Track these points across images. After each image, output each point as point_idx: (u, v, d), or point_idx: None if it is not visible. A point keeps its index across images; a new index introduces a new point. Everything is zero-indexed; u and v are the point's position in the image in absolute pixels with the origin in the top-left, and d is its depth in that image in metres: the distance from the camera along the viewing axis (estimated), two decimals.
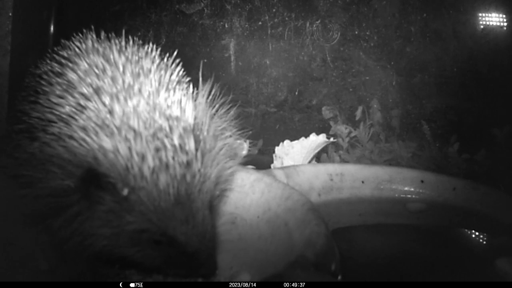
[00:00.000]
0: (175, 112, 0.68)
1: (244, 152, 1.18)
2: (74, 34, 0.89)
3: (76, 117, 0.67)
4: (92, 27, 0.89)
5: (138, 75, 0.75)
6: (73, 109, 0.68)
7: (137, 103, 0.68)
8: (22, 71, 0.91)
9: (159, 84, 0.75)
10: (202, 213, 0.66)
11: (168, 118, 0.67)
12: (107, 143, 0.62)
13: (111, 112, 0.66)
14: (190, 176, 0.64)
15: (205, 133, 0.71)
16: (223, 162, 0.76)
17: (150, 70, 0.78)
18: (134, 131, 0.63)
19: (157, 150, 0.63)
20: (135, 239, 0.66)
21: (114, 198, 0.63)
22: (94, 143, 0.62)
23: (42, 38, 1.37)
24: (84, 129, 0.64)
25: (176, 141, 0.64)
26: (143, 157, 0.62)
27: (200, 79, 0.76)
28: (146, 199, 0.62)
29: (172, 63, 0.85)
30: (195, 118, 0.70)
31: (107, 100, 0.68)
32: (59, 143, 0.65)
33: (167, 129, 0.65)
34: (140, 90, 0.71)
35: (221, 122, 0.82)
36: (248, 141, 1.22)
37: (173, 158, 0.63)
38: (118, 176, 0.61)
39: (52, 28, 1.40)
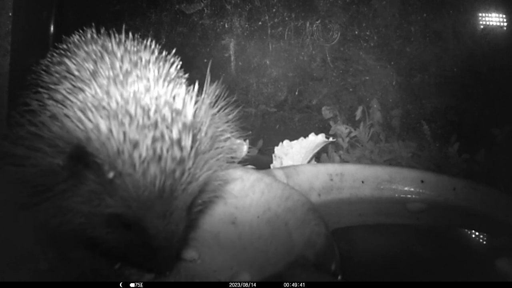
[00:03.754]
0: (178, 105, 0.68)
1: (244, 152, 1.18)
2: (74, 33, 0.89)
3: (73, 99, 0.67)
4: (92, 25, 0.89)
5: (136, 64, 0.75)
6: (70, 92, 0.68)
7: (137, 89, 0.68)
8: (22, 71, 0.91)
9: (158, 74, 0.75)
10: (180, 213, 0.66)
11: (172, 110, 0.66)
12: (102, 124, 0.61)
13: (107, 94, 0.66)
14: (179, 173, 0.64)
15: (203, 134, 0.71)
16: (215, 168, 0.75)
17: (148, 61, 0.78)
18: (130, 116, 0.63)
19: (154, 140, 0.62)
20: (109, 221, 0.66)
21: (98, 179, 0.63)
22: (89, 123, 0.62)
23: (42, 38, 1.37)
24: (80, 109, 0.64)
25: (175, 135, 0.64)
26: (135, 145, 0.61)
27: (208, 78, 0.76)
28: (130, 186, 0.61)
29: (171, 58, 0.85)
30: (196, 116, 0.69)
31: (104, 82, 0.68)
32: (54, 122, 0.64)
33: (169, 120, 0.65)
34: (138, 77, 0.71)
35: (221, 123, 0.81)
36: (248, 141, 1.22)
37: (168, 151, 0.63)
38: (106, 158, 0.61)
39: (52, 28, 1.40)
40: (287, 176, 1.03)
